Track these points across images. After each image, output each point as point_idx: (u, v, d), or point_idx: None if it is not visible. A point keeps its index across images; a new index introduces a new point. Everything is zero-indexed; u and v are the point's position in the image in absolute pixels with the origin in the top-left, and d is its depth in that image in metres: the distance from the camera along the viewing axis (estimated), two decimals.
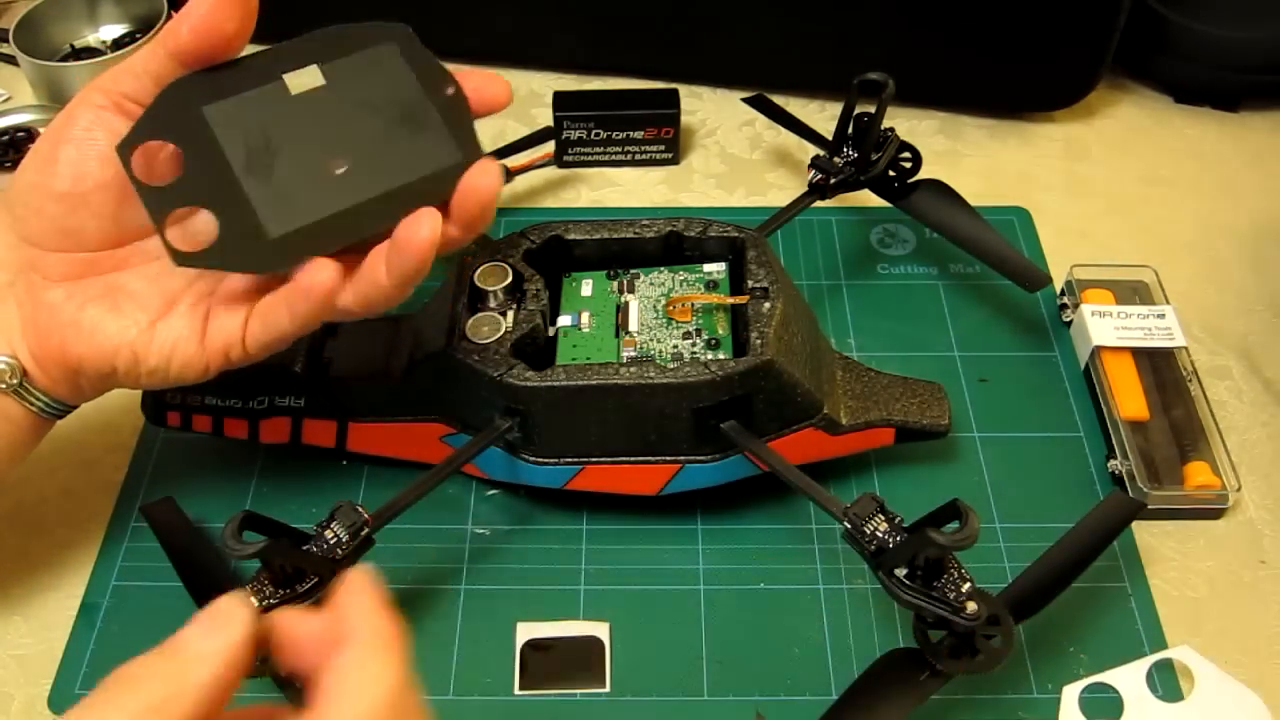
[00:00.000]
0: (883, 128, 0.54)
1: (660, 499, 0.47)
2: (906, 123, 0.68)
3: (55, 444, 0.44)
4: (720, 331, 0.47)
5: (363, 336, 0.48)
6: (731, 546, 0.48)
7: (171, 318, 0.38)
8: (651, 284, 0.49)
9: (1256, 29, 0.66)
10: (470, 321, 0.45)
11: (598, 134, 0.65)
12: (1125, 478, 0.49)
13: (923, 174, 0.57)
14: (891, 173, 0.57)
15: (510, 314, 0.46)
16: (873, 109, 0.53)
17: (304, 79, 0.38)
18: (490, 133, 0.39)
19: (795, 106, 0.66)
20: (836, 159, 0.55)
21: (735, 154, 0.67)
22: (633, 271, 0.49)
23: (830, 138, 0.56)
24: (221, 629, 0.28)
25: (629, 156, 0.66)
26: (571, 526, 0.49)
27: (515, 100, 0.70)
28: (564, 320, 0.47)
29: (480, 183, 0.37)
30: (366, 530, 0.40)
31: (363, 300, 0.37)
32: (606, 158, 0.66)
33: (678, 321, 0.47)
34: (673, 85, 0.66)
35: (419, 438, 0.47)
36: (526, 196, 0.65)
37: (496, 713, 0.43)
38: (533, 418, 0.44)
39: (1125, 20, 0.62)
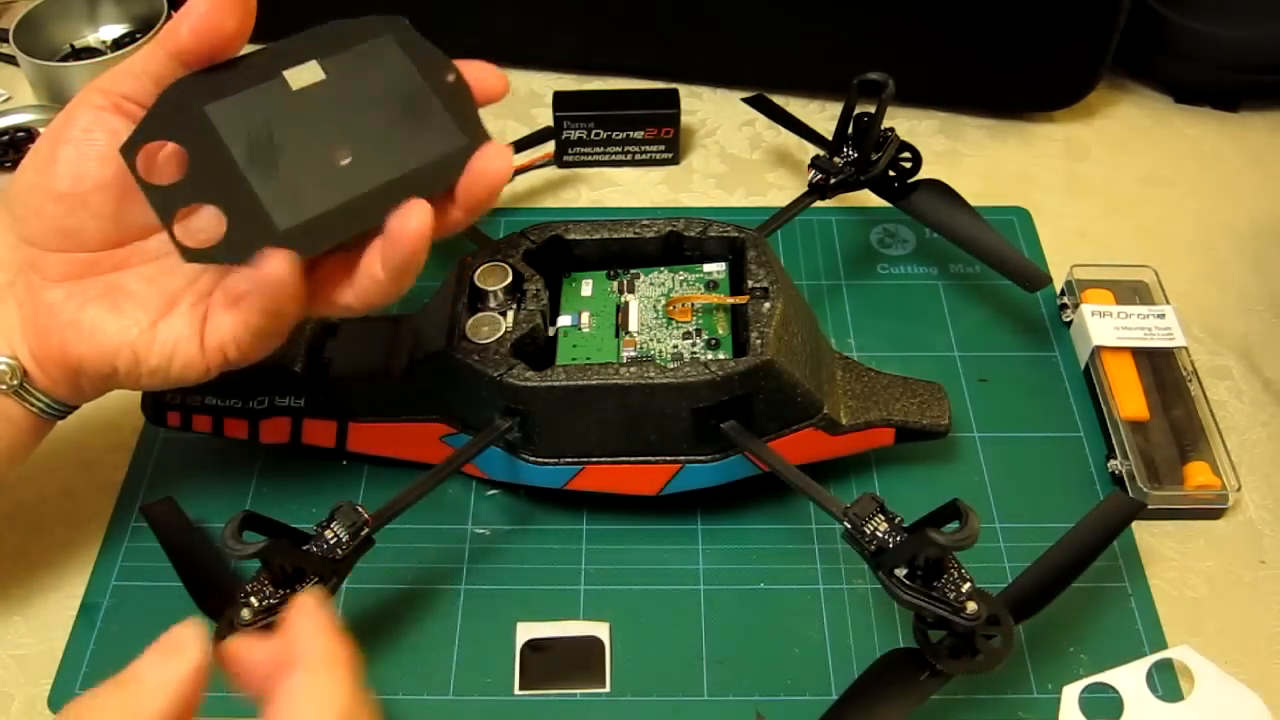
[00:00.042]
0: (883, 128, 0.54)
1: (660, 499, 0.47)
2: (906, 123, 0.68)
3: (55, 444, 0.44)
4: (720, 331, 0.47)
5: (363, 337, 0.48)
6: (731, 546, 0.48)
7: (172, 318, 0.38)
8: (651, 284, 0.49)
9: (1256, 29, 0.66)
10: (470, 321, 0.45)
11: (598, 134, 0.65)
12: (1125, 478, 0.49)
13: (923, 174, 0.57)
14: (891, 173, 0.57)
15: (510, 314, 0.46)
16: (873, 109, 0.53)
17: (304, 74, 0.38)
18: (490, 133, 0.39)
19: (795, 106, 0.66)
20: (836, 159, 0.55)
21: (735, 154, 0.67)
22: (633, 271, 0.49)
23: (830, 138, 0.56)
24: (174, 659, 0.29)
25: (629, 156, 0.66)
26: (571, 526, 0.49)
27: (515, 100, 0.70)
28: (564, 320, 0.47)
29: (492, 166, 0.38)
30: (366, 530, 0.40)
31: (361, 295, 0.37)
32: (606, 158, 0.66)
33: (678, 321, 0.47)
34: (673, 85, 0.66)
35: (419, 438, 0.47)
36: (526, 196, 0.65)
37: (496, 713, 0.43)
38: (533, 418, 0.44)
39: (1125, 20, 0.62)
